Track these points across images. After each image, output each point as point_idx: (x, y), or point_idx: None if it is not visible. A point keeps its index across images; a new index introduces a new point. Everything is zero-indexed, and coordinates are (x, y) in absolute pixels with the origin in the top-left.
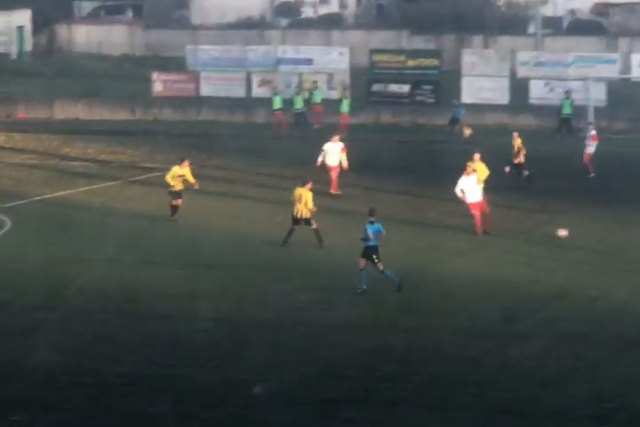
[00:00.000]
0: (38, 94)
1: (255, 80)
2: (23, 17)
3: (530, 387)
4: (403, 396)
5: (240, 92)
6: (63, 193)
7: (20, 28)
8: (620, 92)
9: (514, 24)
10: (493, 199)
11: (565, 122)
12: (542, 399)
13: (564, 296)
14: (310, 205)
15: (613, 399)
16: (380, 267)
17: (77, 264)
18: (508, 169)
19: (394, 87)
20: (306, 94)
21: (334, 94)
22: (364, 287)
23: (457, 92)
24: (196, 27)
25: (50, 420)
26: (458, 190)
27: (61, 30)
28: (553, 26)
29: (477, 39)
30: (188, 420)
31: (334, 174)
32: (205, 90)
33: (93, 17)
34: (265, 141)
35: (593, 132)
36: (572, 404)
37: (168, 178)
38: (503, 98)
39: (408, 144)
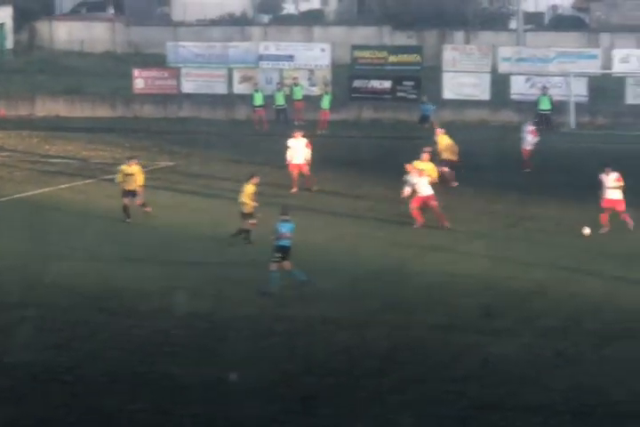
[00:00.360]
0: (19, 91)
1: (236, 76)
2: (4, 14)
3: (510, 383)
4: (383, 392)
5: (221, 89)
6: (44, 190)
7: (1, 26)
8: (602, 87)
9: (495, 20)
10: (474, 194)
11: (544, 117)
12: (522, 395)
13: (543, 292)
14: (246, 199)
15: (593, 394)
16: (287, 267)
17: (57, 261)
18: (444, 169)
19: (375, 83)
20: (287, 91)
21: (315, 91)
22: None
23: (438, 87)
24: (177, 23)
25: (31, 417)
26: (407, 190)
27: (42, 27)
28: (534, 21)
29: (459, 35)
30: (167, 416)
31: (305, 171)
32: (186, 86)
33: (75, 14)
34: (246, 138)
35: (530, 128)
36: (552, 399)
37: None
38: (484, 93)
39: (389, 140)
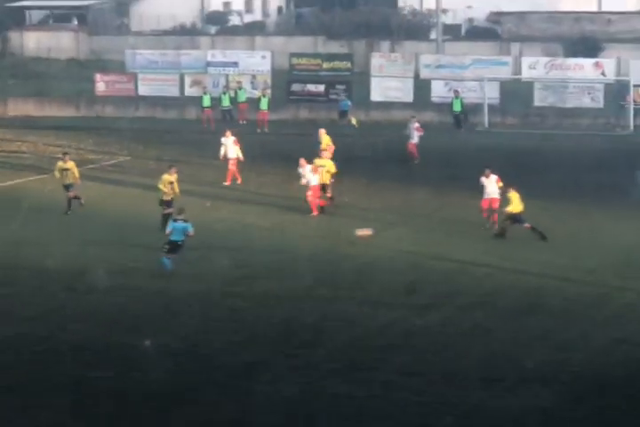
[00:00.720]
0: None
1: (187, 81)
2: None
3: (430, 352)
4: (316, 360)
5: (174, 92)
6: (16, 182)
7: None
8: (512, 90)
9: (418, 30)
10: (393, 187)
11: (456, 118)
12: (441, 362)
13: (463, 272)
14: (162, 187)
15: (505, 362)
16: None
17: (29, 246)
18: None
19: (311, 87)
20: (232, 93)
21: (257, 94)
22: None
23: (367, 91)
24: (134, 33)
25: (4, 382)
26: (303, 180)
27: (14, 36)
28: (452, 32)
29: (385, 44)
30: (126, 381)
31: (232, 166)
32: (143, 89)
33: (43, 24)
34: (195, 135)
35: (416, 125)
36: (468, 366)
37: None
38: (408, 96)
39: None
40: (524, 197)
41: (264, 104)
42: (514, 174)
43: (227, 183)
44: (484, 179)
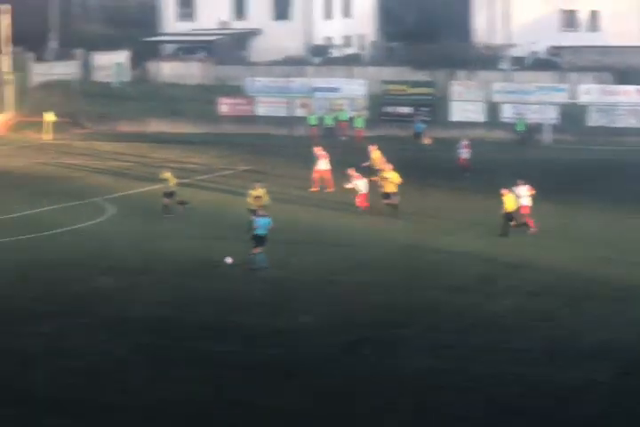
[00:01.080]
0: (134, 114)
1: (296, 103)
2: (122, 56)
3: (502, 331)
4: (406, 338)
5: (285, 112)
6: (153, 188)
7: (120, 64)
8: (569, 113)
9: (490, 62)
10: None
11: (522, 136)
12: (511, 341)
13: (526, 265)
14: (250, 200)
15: (568, 341)
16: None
17: (164, 240)
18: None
19: (399, 109)
20: (334, 114)
21: (354, 114)
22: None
23: (446, 113)
24: (252, 63)
25: (147, 358)
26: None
27: (151, 66)
28: (519, 63)
29: (462, 73)
30: (249, 355)
31: (326, 176)
32: (259, 110)
33: (175, 56)
34: (303, 149)
35: (465, 143)
36: (535, 344)
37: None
38: (481, 117)
39: (407, 151)
40: (580, 202)
41: (360, 123)
42: (570, 182)
43: (314, 190)
44: (515, 188)
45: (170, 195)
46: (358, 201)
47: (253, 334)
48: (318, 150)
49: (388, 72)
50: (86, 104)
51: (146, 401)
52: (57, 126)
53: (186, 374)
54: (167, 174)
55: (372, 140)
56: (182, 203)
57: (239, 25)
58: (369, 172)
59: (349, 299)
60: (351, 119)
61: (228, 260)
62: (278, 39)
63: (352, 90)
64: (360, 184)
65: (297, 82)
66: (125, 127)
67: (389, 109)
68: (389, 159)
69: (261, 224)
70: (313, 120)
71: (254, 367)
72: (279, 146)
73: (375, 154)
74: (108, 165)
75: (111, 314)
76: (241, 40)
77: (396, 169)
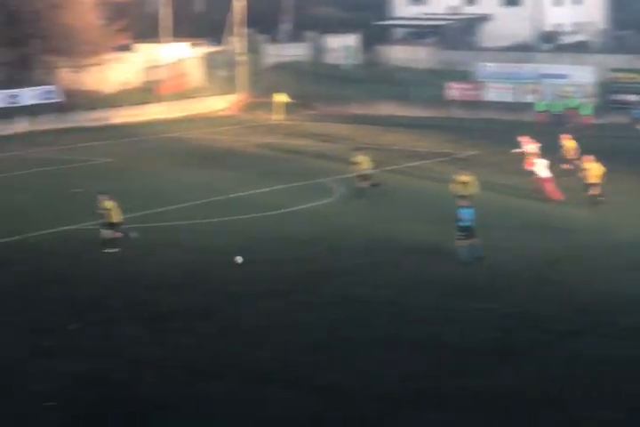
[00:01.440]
0: (364, 96)
1: (525, 89)
2: (353, 39)
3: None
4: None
5: (511, 98)
6: (388, 168)
7: (350, 47)
8: None
9: None
10: None
11: None
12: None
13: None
14: (454, 186)
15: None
16: (472, 242)
17: (387, 222)
18: (565, 166)
19: (628, 97)
20: (563, 101)
21: (582, 102)
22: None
23: None
24: (481, 49)
25: (375, 341)
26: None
27: (381, 49)
28: None
29: None
30: (464, 337)
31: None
32: (489, 96)
33: (405, 40)
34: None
35: None
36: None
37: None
38: None
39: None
40: None
41: (589, 110)
42: None
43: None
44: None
45: (365, 177)
46: (548, 191)
47: (468, 319)
48: (524, 139)
49: (618, 60)
50: (316, 86)
51: (369, 381)
52: (288, 107)
53: (407, 357)
54: (360, 157)
55: (599, 128)
56: (375, 185)
57: (469, 10)
58: (561, 161)
59: (569, 285)
60: (579, 106)
61: (239, 259)
62: (507, 25)
63: (580, 77)
64: (538, 162)
65: (526, 68)
66: (355, 109)
67: (617, 97)
68: (608, 148)
69: (466, 215)
70: (542, 106)
71: (467, 349)
72: (506, 131)
73: (569, 143)
74: (337, 147)
75: (337, 293)
76: (470, 25)
77: (601, 159)
